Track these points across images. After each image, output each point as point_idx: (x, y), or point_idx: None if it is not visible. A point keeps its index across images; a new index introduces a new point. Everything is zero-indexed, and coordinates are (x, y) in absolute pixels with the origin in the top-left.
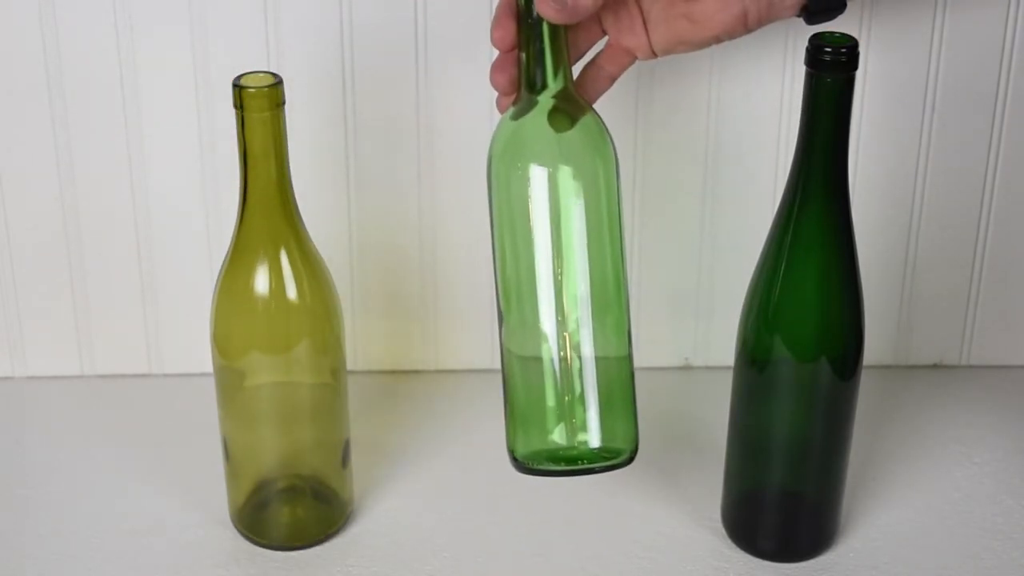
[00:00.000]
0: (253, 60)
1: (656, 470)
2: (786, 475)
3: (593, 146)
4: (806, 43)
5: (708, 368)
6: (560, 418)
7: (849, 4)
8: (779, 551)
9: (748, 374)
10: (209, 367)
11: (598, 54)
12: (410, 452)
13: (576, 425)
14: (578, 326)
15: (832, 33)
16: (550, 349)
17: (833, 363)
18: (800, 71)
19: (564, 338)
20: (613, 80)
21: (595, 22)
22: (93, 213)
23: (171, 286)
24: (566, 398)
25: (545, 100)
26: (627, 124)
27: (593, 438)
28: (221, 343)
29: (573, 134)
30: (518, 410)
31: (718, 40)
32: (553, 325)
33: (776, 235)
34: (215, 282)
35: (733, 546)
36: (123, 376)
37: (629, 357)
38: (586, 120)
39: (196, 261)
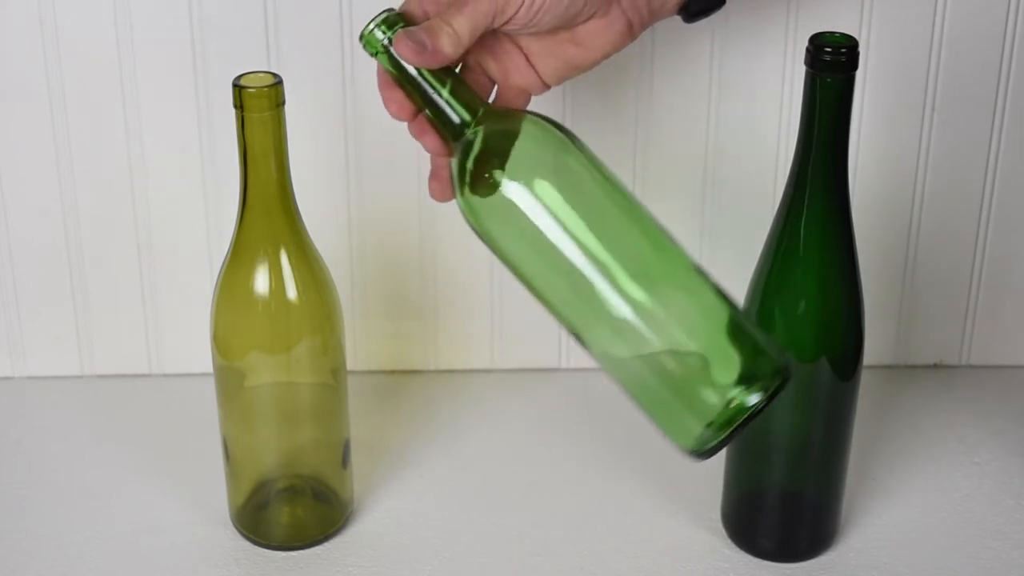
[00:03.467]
0: (253, 60)
1: (656, 470)
2: (786, 475)
3: (547, 144)
4: (806, 43)
5: None
6: (698, 392)
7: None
8: (779, 551)
9: None
10: (209, 367)
11: (494, 100)
12: (410, 452)
13: (718, 387)
14: (654, 301)
15: (832, 33)
16: (646, 337)
17: (833, 363)
18: (800, 71)
19: (652, 318)
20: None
21: (479, 73)
22: (93, 213)
23: (171, 286)
24: (689, 371)
25: (474, 133)
26: (627, 124)
27: (740, 389)
28: (221, 343)
29: (523, 146)
30: (658, 409)
31: (608, 56)
32: (633, 314)
33: (776, 235)
34: (215, 282)
35: (733, 546)
36: (123, 376)
37: (718, 293)
38: (526, 127)
39: (196, 261)
